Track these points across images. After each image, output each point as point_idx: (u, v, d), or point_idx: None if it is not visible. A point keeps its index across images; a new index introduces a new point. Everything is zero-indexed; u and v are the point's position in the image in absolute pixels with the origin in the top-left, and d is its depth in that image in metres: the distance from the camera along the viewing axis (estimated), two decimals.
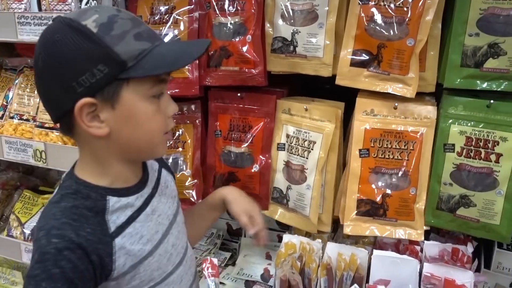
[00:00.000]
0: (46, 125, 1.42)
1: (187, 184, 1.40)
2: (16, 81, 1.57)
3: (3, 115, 1.56)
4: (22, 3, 1.34)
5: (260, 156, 1.34)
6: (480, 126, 1.09)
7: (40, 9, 1.31)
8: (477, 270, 1.22)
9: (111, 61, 0.69)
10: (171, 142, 1.42)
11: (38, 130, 1.44)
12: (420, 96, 1.16)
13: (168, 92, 1.28)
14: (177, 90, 1.31)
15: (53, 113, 0.77)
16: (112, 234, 0.77)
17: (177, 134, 1.41)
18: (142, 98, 0.74)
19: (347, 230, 1.20)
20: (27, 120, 1.50)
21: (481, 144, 1.08)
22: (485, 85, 1.06)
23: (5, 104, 1.57)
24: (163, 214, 0.89)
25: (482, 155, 1.08)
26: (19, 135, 1.48)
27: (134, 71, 0.71)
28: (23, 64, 1.58)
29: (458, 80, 1.08)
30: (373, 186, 1.17)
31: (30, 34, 1.28)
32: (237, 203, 1.10)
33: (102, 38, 0.69)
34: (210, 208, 1.16)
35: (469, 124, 1.10)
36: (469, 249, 1.18)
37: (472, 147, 1.09)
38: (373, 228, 1.19)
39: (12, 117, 1.53)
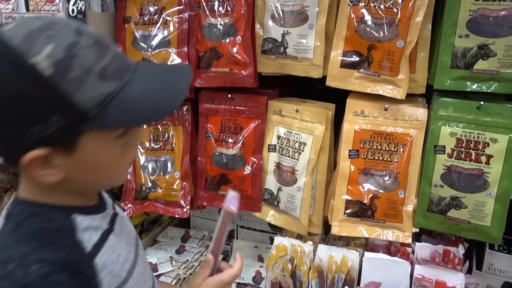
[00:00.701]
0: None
1: (175, 186, 1.39)
2: None
3: None
4: (10, 3, 1.32)
5: (252, 158, 1.33)
6: (470, 128, 1.08)
7: (27, 9, 1.30)
8: (469, 271, 1.22)
9: (69, 112, 0.56)
10: (160, 144, 1.41)
11: None
12: (410, 98, 1.15)
13: None
14: None
15: None
16: (90, 254, 0.66)
17: (166, 136, 1.40)
18: (105, 144, 0.63)
19: (335, 230, 1.19)
20: None
21: (472, 145, 1.08)
22: (475, 86, 1.06)
23: None
24: (130, 234, 0.80)
25: (473, 157, 1.08)
26: None
27: (97, 122, 0.58)
28: None
29: (448, 81, 1.08)
30: (362, 187, 1.17)
31: None
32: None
33: (57, 84, 0.54)
34: None
35: (459, 126, 1.09)
36: (461, 250, 1.18)
37: (462, 149, 1.09)
38: (361, 229, 1.19)
39: None
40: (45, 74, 0.54)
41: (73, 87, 0.55)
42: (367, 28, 1.09)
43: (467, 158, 1.09)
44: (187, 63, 1.29)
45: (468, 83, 1.07)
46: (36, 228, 0.63)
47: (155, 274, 1.38)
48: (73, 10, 1.21)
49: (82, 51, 0.56)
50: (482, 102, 1.06)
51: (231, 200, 0.90)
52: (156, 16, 1.30)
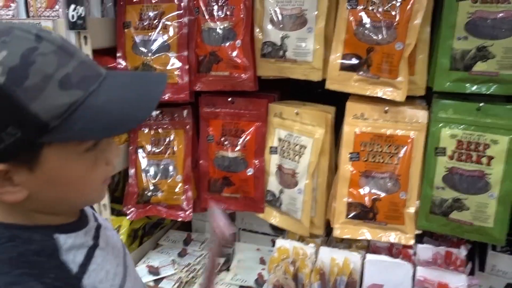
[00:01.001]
0: None
1: (177, 190, 1.39)
2: None
3: None
4: (10, 10, 1.33)
5: (254, 160, 1.33)
6: (471, 129, 1.08)
7: (28, 15, 1.31)
8: (471, 273, 1.22)
9: (26, 123, 0.51)
10: (161, 148, 1.41)
11: None
12: (411, 100, 1.15)
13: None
14: (167, 96, 1.31)
15: None
16: (77, 276, 0.61)
17: (167, 140, 1.41)
18: (71, 158, 0.57)
19: (337, 232, 1.20)
20: None
21: (472, 147, 1.08)
22: (474, 88, 1.06)
23: None
24: (116, 247, 0.75)
25: (474, 158, 1.08)
26: None
27: (60, 133, 0.53)
28: None
29: (448, 83, 1.08)
30: (363, 189, 1.17)
31: None
32: None
33: (12, 92, 0.49)
34: None
35: (460, 128, 1.09)
36: (463, 252, 1.18)
37: (463, 151, 1.09)
38: (363, 231, 1.19)
39: None
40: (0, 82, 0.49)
41: (29, 96, 0.50)
42: (366, 31, 1.09)
43: (468, 160, 1.08)
44: (187, 67, 1.30)
45: (467, 85, 1.06)
46: (16, 254, 0.57)
47: (157, 277, 1.39)
48: (73, 16, 1.22)
49: (41, 58, 0.51)
50: (482, 104, 1.06)
51: (217, 217, 0.78)
52: (156, 21, 1.30)
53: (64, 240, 0.62)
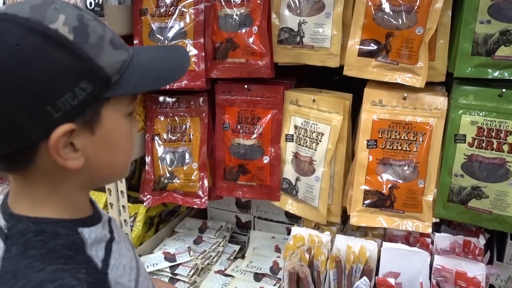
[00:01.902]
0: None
1: (193, 177, 1.40)
2: None
3: None
4: None
5: (270, 148, 1.33)
6: (492, 116, 1.06)
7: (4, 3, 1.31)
8: (490, 262, 1.20)
9: (95, 76, 0.55)
10: (177, 135, 1.42)
11: None
12: (430, 86, 1.13)
13: (175, 86, 1.31)
14: (183, 83, 1.31)
15: (6, 147, 0.54)
16: (103, 271, 0.61)
17: (184, 128, 1.41)
18: (121, 117, 0.62)
19: (354, 220, 1.19)
20: None
21: (493, 134, 1.06)
22: (496, 73, 1.04)
23: None
24: (126, 240, 0.75)
25: (494, 146, 1.06)
26: None
27: (120, 88, 0.58)
28: None
29: (469, 69, 1.05)
30: (381, 177, 1.16)
31: None
32: None
33: (81, 47, 0.53)
34: None
35: (480, 114, 1.07)
36: (481, 241, 1.16)
37: (483, 138, 1.07)
38: (380, 219, 1.18)
39: None
40: (70, 38, 0.52)
41: (95, 52, 0.55)
42: (385, 16, 1.07)
43: (489, 147, 1.07)
44: (203, 54, 1.29)
45: (489, 70, 1.04)
46: (46, 249, 0.57)
47: (173, 264, 1.40)
48: (90, 3, 1.22)
49: (90, 22, 0.56)
50: (504, 90, 1.04)
51: None
52: (172, 7, 1.30)
53: (88, 234, 0.62)
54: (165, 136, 1.43)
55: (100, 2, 1.21)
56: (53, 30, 0.51)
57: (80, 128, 0.56)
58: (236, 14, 1.23)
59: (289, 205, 1.35)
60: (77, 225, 0.62)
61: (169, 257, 1.42)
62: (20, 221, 0.59)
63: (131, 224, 1.47)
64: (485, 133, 1.07)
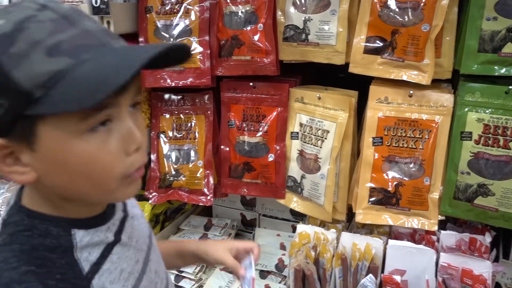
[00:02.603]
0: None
1: (199, 175, 1.40)
2: None
3: None
4: None
5: (275, 145, 1.33)
6: (498, 113, 1.06)
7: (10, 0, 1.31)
8: (496, 260, 1.20)
9: (9, 91, 0.48)
10: (183, 133, 1.42)
11: None
12: (436, 83, 1.13)
13: (180, 83, 1.32)
14: (188, 81, 1.31)
15: None
16: (87, 276, 0.59)
17: (189, 125, 1.41)
18: (72, 137, 0.51)
19: (359, 217, 1.19)
20: None
21: (500, 131, 1.06)
22: (503, 70, 1.03)
23: None
24: (141, 239, 0.71)
25: (501, 143, 1.06)
26: None
27: (43, 105, 0.47)
28: None
29: (475, 66, 1.05)
30: (386, 174, 1.16)
31: None
32: (214, 249, 0.87)
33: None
34: (178, 254, 0.93)
35: (486, 111, 1.07)
36: (487, 239, 1.16)
37: (490, 135, 1.07)
38: (385, 217, 1.18)
39: None
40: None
41: (12, 63, 0.47)
42: (391, 13, 1.07)
43: (495, 145, 1.06)
44: (209, 52, 1.29)
45: (496, 67, 1.04)
46: (29, 246, 0.56)
47: None
48: (96, 1, 1.23)
49: (34, 25, 0.48)
50: (510, 87, 1.03)
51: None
52: (177, 5, 1.30)
53: (81, 237, 0.60)
54: (170, 134, 1.44)
55: (106, 0, 1.21)
56: None
57: (15, 143, 0.51)
58: (241, 12, 1.23)
59: (294, 202, 1.35)
60: (73, 226, 0.59)
61: None
62: (20, 211, 0.59)
63: None
64: (491, 130, 1.06)
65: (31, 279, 0.53)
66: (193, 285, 1.36)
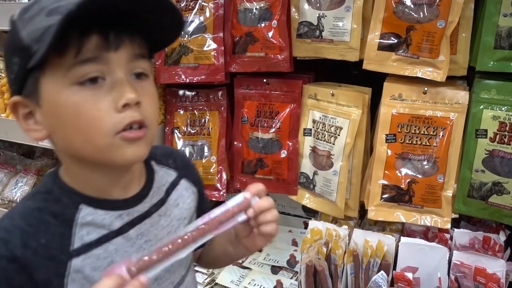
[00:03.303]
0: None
1: (212, 170, 1.41)
2: None
3: None
4: None
5: (288, 142, 1.34)
6: None
7: None
8: (510, 259, 1.19)
9: (19, 49, 0.55)
10: (196, 129, 1.43)
11: None
12: (451, 80, 1.12)
13: (195, 80, 1.33)
14: (203, 77, 1.32)
15: None
16: (71, 252, 0.60)
17: (202, 121, 1.43)
18: (62, 88, 0.56)
19: (371, 214, 1.19)
20: None
21: None
22: None
23: None
24: (154, 242, 0.68)
25: None
26: None
27: (35, 56, 0.53)
28: None
29: (492, 62, 1.04)
30: (399, 172, 1.15)
31: None
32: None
33: (15, 24, 0.56)
34: (228, 242, 0.82)
35: (502, 109, 1.06)
36: (502, 237, 1.15)
37: (505, 133, 1.06)
38: (398, 214, 1.18)
39: None
40: (14, 18, 0.58)
41: (23, 25, 0.55)
42: (406, 9, 1.07)
43: (511, 142, 1.05)
44: (223, 48, 1.30)
45: None
46: (36, 206, 0.61)
47: None
48: None
49: None
50: None
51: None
52: (193, 2, 1.31)
53: (86, 214, 0.62)
54: (184, 129, 1.45)
55: None
56: (14, 16, 0.58)
57: (28, 101, 0.59)
58: (256, 8, 1.23)
59: (306, 199, 1.36)
60: (83, 201, 0.62)
61: None
62: (51, 176, 0.65)
63: None
64: (507, 128, 1.05)
65: (15, 233, 0.59)
66: (205, 279, 1.38)
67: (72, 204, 0.62)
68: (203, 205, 0.82)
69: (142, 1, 0.56)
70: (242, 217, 0.65)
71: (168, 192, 0.74)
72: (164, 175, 0.75)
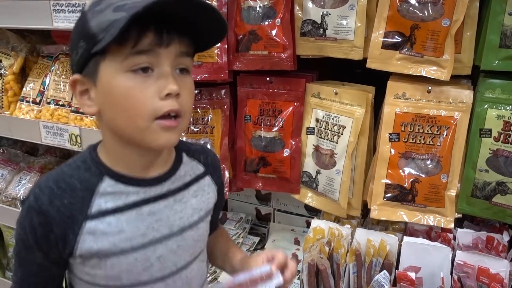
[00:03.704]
0: (81, 110, 1.47)
1: None
2: (52, 68, 1.62)
3: (40, 100, 1.62)
4: None
5: (291, 140, 1.34)
6: None
7: None
8: None
9: (86, 35, 0.66)
10: (199, 127, 1.43)
11: (74, 115, 1.48)
12: (455, 79, 1.12)
13: (198, 78, 1.33)
14: (206, 75, 1.32)
15: None
16: (88, 215, 0.71)
17: (206, 119, 1.43)
18: (117, 73, 0.66)
19: (374, 214, 1.18)
20: (63, 105, 1.55)
21: None
22: None
23: (43, 90, 1.62)
24: (165, 222, 0.77)
25: None
26: (56, 120, 1.53)
27: (100, 43, 0.64)
28: (59, 51, 1.63)
29: (497, 61, 1.03)
30: (402, 171, 1.15)
31: (64, 21, 1.32)
32: (255, 260, 0.85)
33: (86, 14, 0.67)
34: (223, 256, 0.97)
35: (507, 108, 1.05)
36: (505, 237, 1.14)
37: (510, 132, 1.05)
38: (401, 213, 1.17)
39: (49, 103, 1.58)
40: (85, 9, 0.68)
41: (93, 16, 0.66)
42: (410, 8, 1.06)
43: None
44: (226, 46, 1.30)
45: None
46: (69, 172, 0.74)
47: None
48: None
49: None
50: None
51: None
52: None
53: (107, 186, 0.73)
54: (187, 128, 1.45)
55: None
56: (85, 6, 0.69)
57: (87, 80, 0.69)
58: (259, 6, 1.23)
59: (309, 198, 1.36)
60: (108, 174, 0.73)
61: None
62: (89, 148, 0.78)
63: None
64: (511, 127, 1.05)
65: (46, 192, 0.71)
66: (207, 277, 1.37)
67: (98, 174, 0.73)
68: (219, 205, 0.92)
69: (193, 8, 0.65)
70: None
71: (191, 182, 0.82)
72: (193, 167, 0.84)
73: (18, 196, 1.75)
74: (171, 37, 0.67)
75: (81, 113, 1.47)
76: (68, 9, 1.30)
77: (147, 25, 0.64)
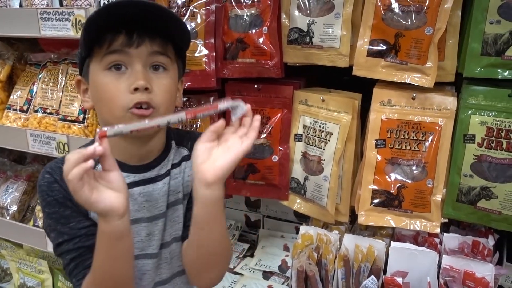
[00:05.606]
0: (69, 118, 1.46)
1: None
2: (40, 76, 1.62)
3: (28, 108, 1.61)
4: (44, 0, 1.37)
5: (279, 147, 1.34)
6: (501, 116, 1.06)
7: (61, 4, 1.35)
8: (499, 263, 1.20)
9: (80, 44, 0.79)
10: None
11: (61, 123, 1.48)
12: (440, 86, 1.14)
13: (186, 85, 1.33)
14: (194, 83, 1.33)
15: None
16: None
17: (194, 127, 1.43)
18: (98, 72, 0.78)
19: (362, 219, 1.19)
20: (51, 113, 1.54)
21: (503, 134, 1.06)
22: (506, 73, 1.04)
23: (30, 98, 1.62)
24: (154, 202, 0.87)
25: (504, 146, 1.06)
26: (43, 128, 1.52)
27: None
28: (47, 59, 1.63)
29: (479, 69, 1.06)
30: (389, 177, 1.16)
31: (52, 29, 1.32)
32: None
33: (83, 25, 0.77)
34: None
35: (490, 114, 1.07)
36: (490, 242, 1.16)
37: (493, 138, 1.07)
38: (388, 219, 1.18)
39: (36, 111, 1.57)
40: (84, 22, 0.79)
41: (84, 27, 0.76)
42: (395, 16, 1.08)
43: (498, 148, 1.07)
44: (214, 54, 1.31)
45: (499, 70, 1.04)
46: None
47: None
48: (104, 4, 1.25)
49: (110, 4, 0.74)
50: None
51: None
52: (184, 8, 1.32)
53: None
54: None
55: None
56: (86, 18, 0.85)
57: (83, 79, 0.84)
58: (247, 15, 1.24)
59: (298, 204, 1.36)
60: None
61: None
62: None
63: None
64: (494, 133, 1.07)
65: (57, 171, 0.81)
66: None
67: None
68: None
69: (146, 10, 0.74)
70: (243, 109, 0.79)
71: (174, 165, 0.90)
72: (179, 153, 0.93)
73: (5, 205, 1.73)
74: (141, 38, 0.76)
75: (69, 121, 1.46)
76: (56, 17, 1.30)
77: (119, 29, 0.75)
